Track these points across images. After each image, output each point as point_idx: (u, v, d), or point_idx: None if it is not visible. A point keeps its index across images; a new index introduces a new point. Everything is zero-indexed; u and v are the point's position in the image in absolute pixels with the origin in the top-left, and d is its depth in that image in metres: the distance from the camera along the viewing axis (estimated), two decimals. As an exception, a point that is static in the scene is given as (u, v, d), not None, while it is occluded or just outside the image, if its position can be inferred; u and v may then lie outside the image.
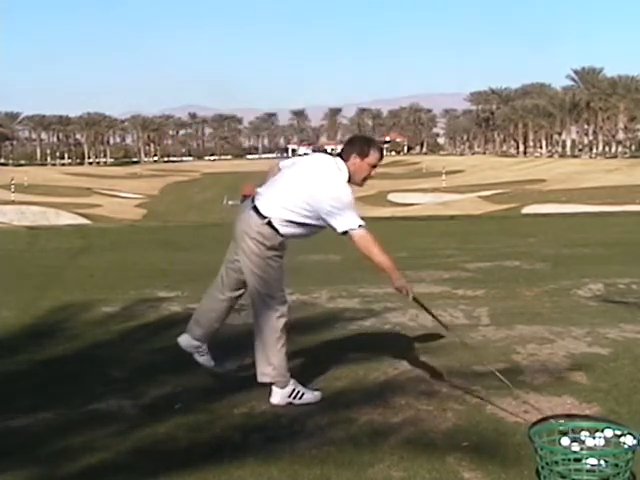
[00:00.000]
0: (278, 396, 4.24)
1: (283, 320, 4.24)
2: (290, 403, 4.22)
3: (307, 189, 4.13)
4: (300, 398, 4.24)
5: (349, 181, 4.20)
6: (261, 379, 4.27)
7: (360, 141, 4.32)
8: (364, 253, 4.13)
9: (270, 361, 4.22)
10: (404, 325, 6.19)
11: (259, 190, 4.29)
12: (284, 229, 4.16)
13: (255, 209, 4.20)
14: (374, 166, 4.27)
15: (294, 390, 4.25)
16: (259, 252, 4.16)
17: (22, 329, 6.38)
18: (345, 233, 4.11)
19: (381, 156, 4.30)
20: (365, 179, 4.29)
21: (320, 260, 11.36)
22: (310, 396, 4.27)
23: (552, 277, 8.83)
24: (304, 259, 10.31)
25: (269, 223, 4.14)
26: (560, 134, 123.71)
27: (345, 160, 4.23)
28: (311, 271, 9.37)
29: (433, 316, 4.51)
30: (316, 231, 4.30)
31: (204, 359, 4.59)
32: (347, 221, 4.08)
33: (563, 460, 3.06)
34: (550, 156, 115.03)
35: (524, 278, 8.84)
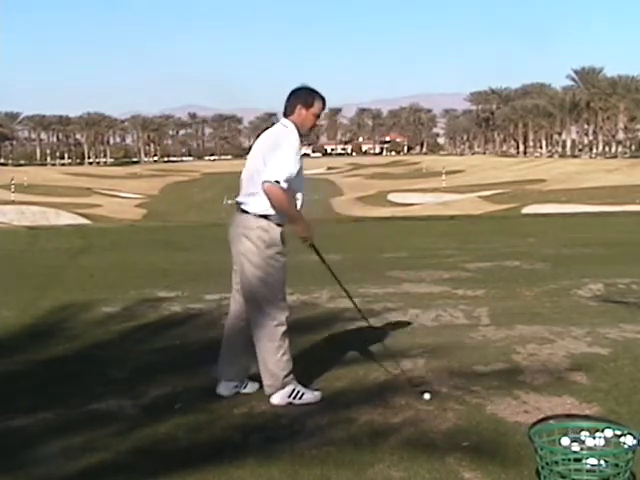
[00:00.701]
0: (278, 396, 4.24)
1: (282, 329, 4.21)
2: (290, 403, 4.22)
3: (264, 158, 4.16)
4: (300, 398, 4.24)
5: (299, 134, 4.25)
6: (267, 391, 4.27)
7: (304, 92, 4.34)
8: (275, 204, 4.12)
9: (271, 372, 4.21)
10: (404, 325, 6.19)
11: (239, 198, 4.28)
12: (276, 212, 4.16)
13: (243, 211, 4.22)
14: (318, 116, 4.34)
15: (294, 390, 4.25)
16: (260, 252, 4.16)
17: (22, 329, 6.38)
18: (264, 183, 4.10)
19: (324, 105, 4.35)
20: (311, 129, 4.36)
21: (320, 260, 11.35)
22: (310, 396, 4.26)
23: (552, 277, 8.84)
24: (304, 259, 10.30)
25: (263, 216, 4.15)
26: (560, 134, 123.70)
27: (290, 114, 4.29)
28: (311, 271, 9.35)
29: (334, 276, 4.51)
30: (298, 190, 4.25)
31: (249, 388, 4.47)
32: (274, 172, 4.08)
33: (563, 460, 3.06)
34: (550, 156, 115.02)
35: (524, 278, 8.84)
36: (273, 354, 4.20)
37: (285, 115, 4.32)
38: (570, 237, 14.87)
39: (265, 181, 4.08)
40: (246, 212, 4.20)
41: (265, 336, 4.20)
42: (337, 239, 16.29)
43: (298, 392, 4.25)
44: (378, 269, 10.09)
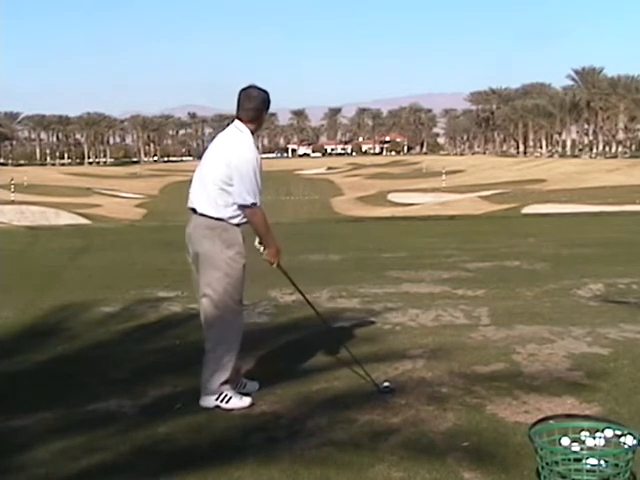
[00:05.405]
0: (207, 399, 4.21)
1: (234, 335, 4.20)
2: (217, 406, 4.18)
3: (221, 162, 4.13)
4: (227, 402, 4.19)
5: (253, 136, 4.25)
6: (202, 392, 4.22)
7: (268, 97, 4.29)
8: (256, 226, 4.19)
9: (212, 375, 4.18)
10: (404, 325, 6.20)
11: (195, 205, 4.24)
12: (233, 212, 4.14)
13: (201, 214, 4.19)
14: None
15: (222, 393, 4.20)
16: (220, 252, 4.13)
17: (22, 329, 6.38)
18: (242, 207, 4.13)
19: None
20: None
21: (320, 260, 11.37)
22: (238, 401, 4.21)
23: (552, 277, 8.84)
24: (304, 259, 10.33)
25: (221, 218, 4.14)
26: (560, 134, 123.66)
27: (254, 117, 4.24)
28: (311, 271, 9.36)
29: (300, 292, 4.57)
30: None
31: (249, 387, 4.46)
32: (245, 194, 4.09)
33: (563, 460, 3.06)
34: (550, 156, 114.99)
35: (524, 278, 8.84)
36: (219, 359, 4.18)
37: (246, 117, 4.22)
38: (570, 237, 14.88)
39: (242, 206, 4.10)
40: (204, 215, 4.18)
41: (216, 339, 4.19)
42: (337, 239, 16.29)
43: (226, 396, 4.20)
44: (378, 269, 10.09)
